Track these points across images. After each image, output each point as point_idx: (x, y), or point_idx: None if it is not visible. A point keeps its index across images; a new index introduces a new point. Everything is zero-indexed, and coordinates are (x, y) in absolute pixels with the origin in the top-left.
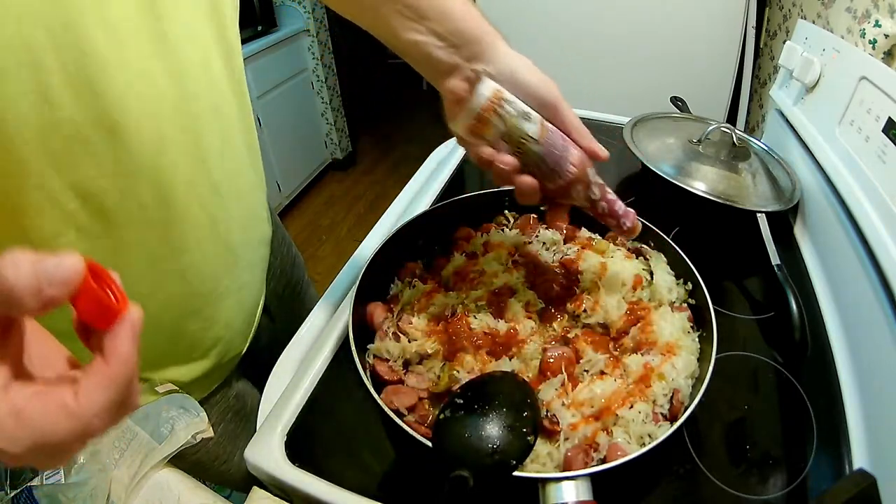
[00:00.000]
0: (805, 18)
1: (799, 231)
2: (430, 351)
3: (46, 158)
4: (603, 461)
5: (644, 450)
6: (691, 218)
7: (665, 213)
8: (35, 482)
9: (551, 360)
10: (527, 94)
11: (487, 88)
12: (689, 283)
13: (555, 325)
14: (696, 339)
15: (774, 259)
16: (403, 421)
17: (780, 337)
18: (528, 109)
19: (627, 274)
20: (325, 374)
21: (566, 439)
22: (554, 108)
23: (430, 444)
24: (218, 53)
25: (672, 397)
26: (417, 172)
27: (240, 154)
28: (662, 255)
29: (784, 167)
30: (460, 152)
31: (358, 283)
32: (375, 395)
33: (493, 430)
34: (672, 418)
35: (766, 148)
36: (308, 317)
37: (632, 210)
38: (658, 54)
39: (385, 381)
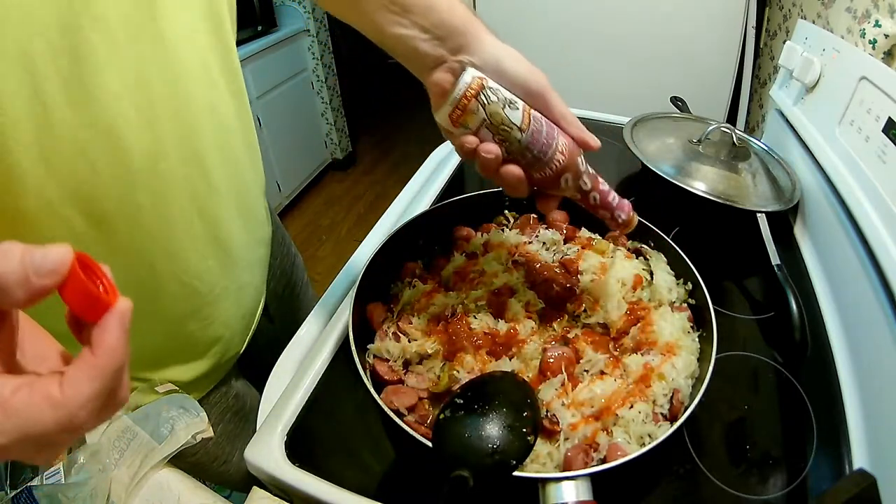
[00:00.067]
0: (805, 18)
1: (799, 231)
2: (430, 351)
3: (42, 162)
4: (603, 461)
5: (644, 450)
6: (691, 218)
7: (665, 213)
8: (35, 482)
9: (551, 360)
10: (513, 83)
11: (468, 76)
12: (689, 283)
13: (555, 325)
14: (696, 339)
15: (774, 259)
16: (403, 421)
17: (780, 337)
18: (512, 97)
19: (627, 274)
20: (325, 374)
21: (566, 439)
22: (542, 97)
23: (430, 444)
24: (215, 54)
25: (672, 397)
26: (417, 172)
27: (238, 155)
28: (662, 255)
29: (784, 167)
30: None
31: (358, 283)
32: (375, 395)
33: (493, 430)
34: (672, 418)
35: (766, 148)
36: (308, 317)
37: (627, 202)
38: (658, 54)
39: (385, 381)
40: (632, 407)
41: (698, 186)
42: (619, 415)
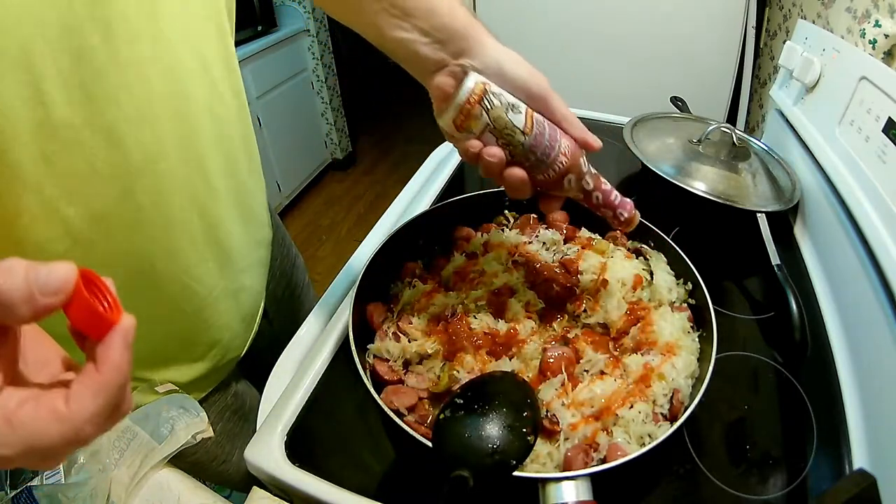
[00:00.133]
0: (805, 18)
1: (799, 231)
2: (430, 351)
3: (42, 161)
4: (603, 461)
5: (644, 450)
6: (691, 218)
7: (665, 213)
8: (35, 482)
9: (551, 360)
10: (515, 86)
11: (471, 81)
12: (689, 283)
13: (555, 325)
14: (696, 339)
15: (774, 259)
16: (403, 421)
17: (780, 337)
18: (515, 101)
19: (627, 274)
20: (325, 374)
21: (566, 439)
22: (544, 99)
23: (430, 444)
24: (215, 54)
25: (672, 397)
26: (417, 172)
27: (238, 156)
28: (662, 255)
29: (784, 167)
30: None
31: (358, 283)
32: (375, 395)
33: (493, 430)
34: (672, 418)
35: (766, 148)
36: (308, 317)
37: (629, 200)
38: (658, 54)
39: (385, 381)
40: (632, 407)
41: (698, 186)
42: (619, 415)
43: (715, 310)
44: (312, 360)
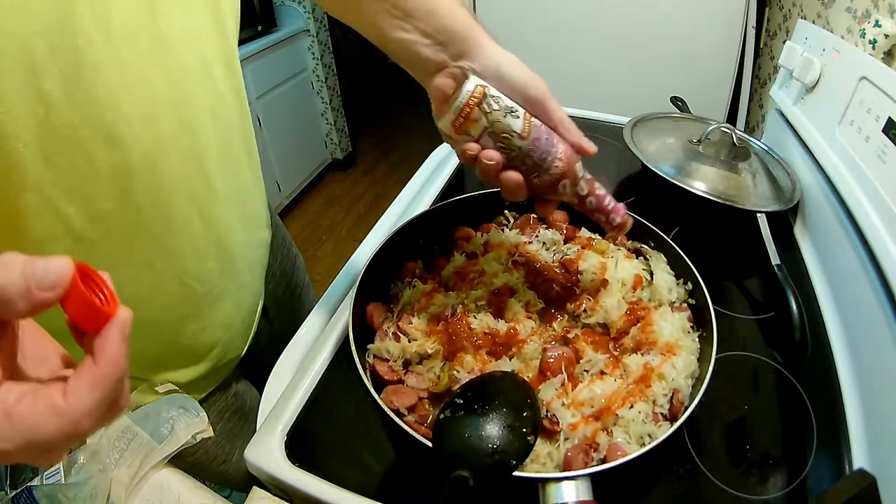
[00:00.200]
0: (805, 18)
1: (799, 231)
2: (430, 351)
3: (43, 161)
4: (603, 461)
5: (644, 450)
6: (691, 218)
7: (665, 213)
8: (35, 482)
9: (551, 360)
10: (513, 90)
11: (471, 84)
12: (689, 283)
13: (555, 325)
14: (696, 339)
15: (774, 259)
16: (403, 421)
17: (780, 337)
18: (513, 105)
19: (627, 274)
20: (325, 374)
21: (566, 439)
22: (541, 103)
23: (430, 444)
24: (217, 55)
25: (672, 397)
26: (417, 172)
27: (238, 156)
28: (662, 255)
29: (784, 167)
30: None
31: (358, 283)
32: (375, 395)
33: (493, 430)
34: (672, 418)
35: (766, 148)
36: (308, 317)
37: (622, 205)
38: (658, 54)
39: (385, 381)
40: (632, 407)
41: (698, 186)
42: (619, 415)
43: (715, 310)
44: (312, 360)
